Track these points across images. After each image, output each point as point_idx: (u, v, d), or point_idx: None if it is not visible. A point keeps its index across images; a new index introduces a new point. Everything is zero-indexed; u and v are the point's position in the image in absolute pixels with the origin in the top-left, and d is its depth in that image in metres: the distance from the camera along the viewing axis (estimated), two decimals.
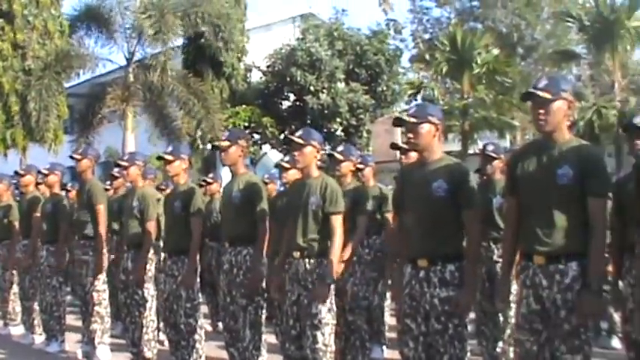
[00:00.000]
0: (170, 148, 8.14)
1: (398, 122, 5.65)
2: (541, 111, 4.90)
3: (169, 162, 7.84)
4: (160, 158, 8.07)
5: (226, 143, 7.34)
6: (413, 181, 5.57)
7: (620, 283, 5.98)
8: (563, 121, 4.97)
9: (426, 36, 43.63)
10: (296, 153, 6.63)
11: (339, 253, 6.50)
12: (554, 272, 4.83)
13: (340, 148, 8.37)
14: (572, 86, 5.33)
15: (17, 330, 11.53)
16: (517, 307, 5.17)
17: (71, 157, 9.76)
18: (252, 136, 26.23)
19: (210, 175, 11.81)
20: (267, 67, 27.14)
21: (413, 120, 5.41)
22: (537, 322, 4.92)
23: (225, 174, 11.60)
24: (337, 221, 6.48)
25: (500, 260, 6.12)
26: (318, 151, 6.62)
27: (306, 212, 6.48)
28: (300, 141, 6.53)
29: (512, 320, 7.34)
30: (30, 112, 25.17)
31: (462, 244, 5.42)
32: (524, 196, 5.09)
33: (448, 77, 30.79)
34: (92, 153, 9.70)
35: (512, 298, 6.99)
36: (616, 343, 9.09)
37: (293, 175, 7.85)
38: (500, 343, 8.03)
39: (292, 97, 26.65)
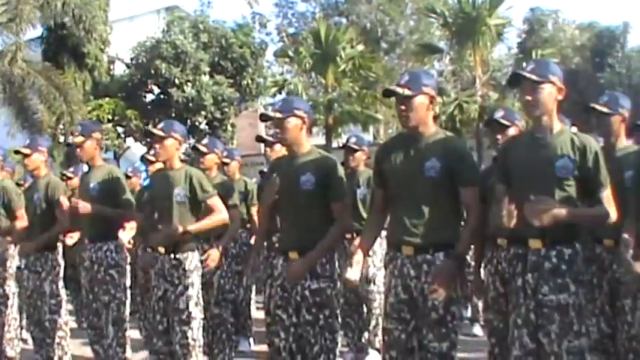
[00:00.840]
0: (28, 141, 7.87)
1: (264, 117, 5.69)
2: (403, 107, 4.95)
3: (27, 155, 7.60)
4: (17, 152, 7.82)
5: (80, 139, 7.19)
6: (282, 175, 5.58)
7: (482, 271, 6.13)
8: (427, 115, 5.02)
9: (291, 30, 43.79)
10: (157, 145, 6.62)
11: (211, 226, 6.67)
12: (422, 262, 4.91)
13: (205, 141, 8.36)
14: (435, 81, 5.34)
15: None
16: (385, 297, 5.22)
17: None
18: (116, 129, 25.88)
19: (71, 170, 11.48)
20: (131, 59, 26.72)
21: (279, 115, 5.45)
22: (405, 312, 5.00)
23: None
24: (215, 201, 6.59)
25: None
26: (180, 143, 6.61)
27: (171, 205, 6.44)
28: (161, 133, 6.51)
29: (378, 311, 7.49)
30: None
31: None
32: (393, 189, 5.15)
33: (313, 71, 31.01)
34: None
35: (378, 289, 7.11)
36: (478, 330, 9.35)
37: (158, 168, 7.76)
38: (366, 334, 8.18)
39: (157, 89, 26.34)
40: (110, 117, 25.56)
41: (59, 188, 7.65)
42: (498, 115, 6.02)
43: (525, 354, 4.70)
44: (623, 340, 5.49)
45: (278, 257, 5.65)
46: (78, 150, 7.22)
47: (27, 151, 7.59)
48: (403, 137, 5.29)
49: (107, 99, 26.16)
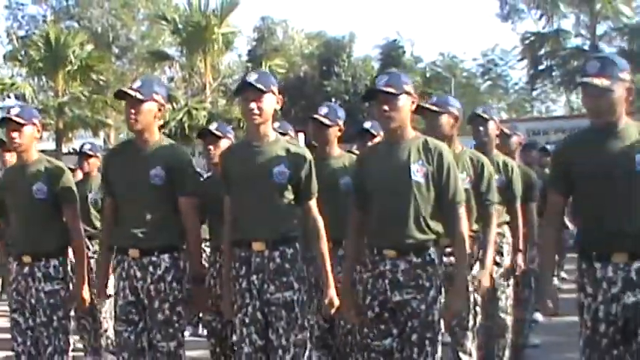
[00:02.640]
0: None
1: (2, 121, 5.62)
2: (133, 110, 5.04)
3: None
4: None
5: None
6: (14, 183, 5.70)
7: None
8: (154, 122, 5.16)
9: (21, 33, 42.95)
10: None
11: None
12: (148, 265, 5.08)
13: None
14: (166, 90, 5.57)
15: None
16: (115, 299, 5.33)
17: None
18: None
19: None
20: None
21: (19, 120, 5.46)
22: (134, 313, 5.16)
23: None
24: None
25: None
26: None
27: None
28: None
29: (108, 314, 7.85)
30: None
31: (64, 241, 5.69)
32: (119, 196, 5.26)
33: (43, 75, 30.72)
34: None
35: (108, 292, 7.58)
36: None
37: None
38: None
39: None
40: None
41: None
42: (213, 126, 6.29)
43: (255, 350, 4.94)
44: (340, 334, 5.86)
45: (13, 262, 5.75)
46: None
47: None
48: (128, 145, 5.46)
49: None
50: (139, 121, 5.07)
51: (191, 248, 5.20)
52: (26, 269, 5.57)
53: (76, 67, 29.32)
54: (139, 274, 5.10)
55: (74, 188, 5.75)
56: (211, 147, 6.12)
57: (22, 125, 5.47)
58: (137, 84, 5.15)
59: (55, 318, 5.54)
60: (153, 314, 5.10)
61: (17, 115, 5.46)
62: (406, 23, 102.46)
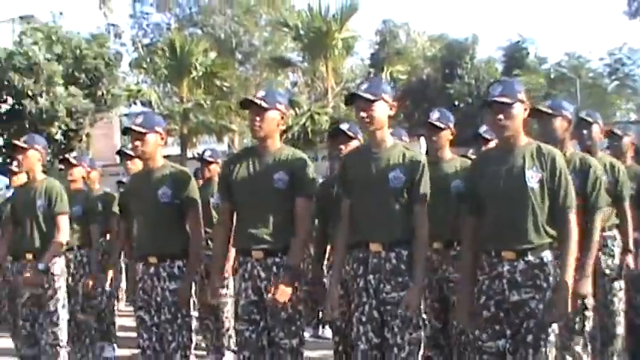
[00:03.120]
0: None
1: (125, 131, 6.06)
2: (257, 118, 5.33)
3: None
4: None
5: None
6: (140, 188, 6.05)
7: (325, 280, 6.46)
8: (277, 129, 5.47)
9: (146, 41, 43.80)
10: (20, 157, 6.93)
11: (59, 249, 6.84)
12: (272, 265, 5.32)
13: (74, 154, 8.74)
14: (287, 99, 5.85)
15: None
16: (236, 299, 5.65)
17: None
18: None
19: None
20: None
21: (141, 129, 5.82)
22: (255, 313, 5.41)
23: None
24: (63, 220, 6.88)
25: None
26: (41, 155, 6.96)
27: (36, 215, 6.81)
28: (24, 145, 6.87)
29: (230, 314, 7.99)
30: None
31: (187, 243, 5.95)
32: (242, 199, 5.48)
33: (167, 82, 31.23)
34: None
35: (229, 292, 7.59)
36: (328, 332, 9.80)
37: (22, 179, 8.05)
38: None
39: (10, 100, 26.06)
40: None
41: None
42: (344, 126, 6.36)
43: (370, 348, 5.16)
44: (454, 335, 6.09)
45: (138, 262, 6.03)
46: None
47: None
48: (251, 150, 5.69)
49: None
50: (262, 128, 5.38)
51: (298, 244, 5.36)
52: (152, 269, 5.87)
53: (200, 74, 29.78)
54: (262, 275, 5.35)
55: (197, 193, 6.04)
56: (342, 147, 6.24)
57: (145, 134, 5.82)
58: (261, 93, 5.49)
59: (179, 315, 5.83)
60: (276, 313, 5.32)
61: (139, 125, 5.83)
62: (530, 24, 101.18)
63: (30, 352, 6.91)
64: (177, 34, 31.91)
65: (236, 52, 42.49)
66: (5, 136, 26.15)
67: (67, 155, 8.85)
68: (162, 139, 5.99)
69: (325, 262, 6.75)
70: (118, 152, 8.98)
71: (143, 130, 5.83)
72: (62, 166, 8.84)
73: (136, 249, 6.16)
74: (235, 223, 5.59)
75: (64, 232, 6.85)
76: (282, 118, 5.53)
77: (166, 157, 6.21)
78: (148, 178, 5.98)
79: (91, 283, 8.28)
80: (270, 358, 5.44)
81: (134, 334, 6.80)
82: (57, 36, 26.31)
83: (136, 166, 7.33)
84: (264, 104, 5.34)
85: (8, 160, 23.04)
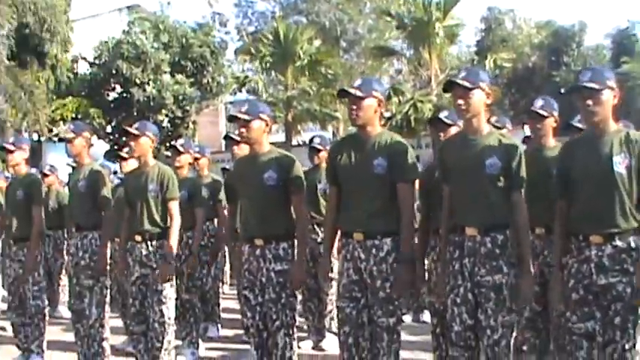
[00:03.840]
0: (12, 139, 8.45)
1: (233, 118, 6.21)
2: (354, 106, 5.54)
3: (10, 152, 8.16)
4: (2, 148, 8.36)
5: (71, 135, 7.72)
6: (246, 172, 6.22)
7: (426, 260, 6.53)
8: (374, 116, 5.62)
9: (251, 29, 44.17)
10: (132, 143, 7.19)
11: (176, 235, 7.06)
12: (371, 247, 5.52)
13: (181, 141, 8.92)
14: (384, 87, 5.99)
15: None
16: (339, 279, 5.81)
17: None
18: None
19: (48, 167, 11.99)
20: (94, 58, 26.94)
21: (246, 117, 6.04)
22: (356, 291, 5.62)
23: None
24: (174, 206, 7.07)
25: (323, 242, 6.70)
26: (153, 141, 7.20)
27: (147, 199, 7.01)
28: (136, 132, 7.10)
29: (334, 297, 8.06)
30: None
31: (293, 225, 6.11)
32: (345, 184, 5.71)
33: (272, 69, 31.43)
34: None
35: (333, 275, 7.67)
36: (427, 317, 9.89)
37: (132, 164, 8.28)
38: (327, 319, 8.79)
39: (119, 88, 26.58)
40: (74, 115, 25.80)
41: (39, 188, 8.23)
42: (443, 114, 6.40)
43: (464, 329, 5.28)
44: (554, 318, 6.10)
45: (244, 244, 6.25)
46: (68, 145, 7.74)
47: (11, 147, 8.16)
48: (352, 137, 5.89)
49: (70, 98, 26.40)
50: (360, 116, 5.58)
51: (406, 229, 5.54)
52: (258, 251, 6.09)
53: (304, 62, 29.86)
54: (362, 256, 5.57)
55: (302, 177, 6.20)
56: (442, 134, 6.27)
57: (250, 121, 6.05)
58: (357, 82, 5.68)
59: (283, 295, 6.02)
60: (375, 292, 5.55)
61: (244, 112, 6.08)
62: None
63: (138, 329, 7.15)
64: (282, 22, 31.98)
65: (340, 40, 42.49)
66: (113, 124, 26.70)
67: (174, 143, 8.95)
68: (267, 125, 6.19)
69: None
70: (225, 137, 9.09)
71: (248, 118, 6.06)
72: (168, 153, 8.99)
73: (242, 231, 6.40)
74: (340, 206, 5.80)
75: (177, 218, 7.05)
76: (380, 104, 5.67)
77: (271, 144, 6.34)
78: (254, 162, 6.18)
79: (193, 264, 8.52)
80: (370, 335, 5.64)
81: (237, 316, 6.91)
82: (164, 25, 26.80)
83: (243, 151, 7.43)
84: (359, 93, 5.54)
85: (115, 147, 23.58)
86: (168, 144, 20.48)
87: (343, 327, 5.69)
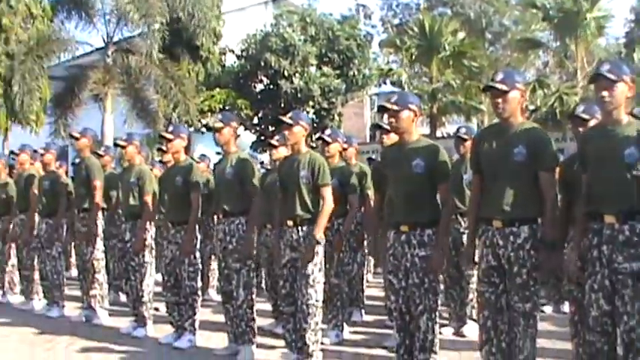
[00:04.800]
0: (171, 128, 8.93)
1: (382, 109, 6.46)
2: (499, 100, 5.71)
3: (170, 140, 8.60)
4: (161, 137, 8.80)
5: (220, 124, 8.13)
6: (394, 160, 6.47)
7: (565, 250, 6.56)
8: (518, 108, 5.80)
9: (396, 21, 44.24)
10: (287, 132, 7.52)
11: (326, 219, 7.31)
12: (509, 234, 5.69)
13: (328, 132, 9.17)
14: (525, 79, 6.12)
15: (16, 299, 12.18)
16: (479, 264, 6.01)
17: (71, 135, 10.59)
18: None
19: (199, 156, 12.48)
20: (242, 51, 27.41)
21: (395, 107, 6.30)
22: (495, 276, 5.81)
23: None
24: (327, 192, 7.31)
25: (466, 231, 6.84)
26: (305, 130, 7.46)
27: (299, 184, 7.28)
28: (290, 121, 7.38)
29: (474, 285, 8.16)
30: (13, 94, 25.51)
31: (437, 213, 6.32)
32: (487, 172, 5.90)
33: (417, 62, 31.44)
34: (90, 133, 10.48)
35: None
36: (567, 307, 9.79)
37: (282, 152, 8.61)
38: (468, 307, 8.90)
39: (266, 80, 26.99)
40: (221, 106, 26.40)
41: (196, 174, 8.69)
42: (579, 110, 6.47)
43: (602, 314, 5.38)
44: None
45: (390, 230, 6.50)
46: (216, 134, 8.15)
47: (170, 136, 8.64)
48: (495, 127, 6.09)
49: (219, 89, 27.06)
50: (505, 109, 5.75)
51: (548, 217, 5.69)
52: (403, 237, 6.33)
53: (448, 54, 29.78)
54: (500, 242, 5.74)
55: (448, 165, 6.45)
56: (580, 129, 6.31)
57: (399, 111, 6.32)
58: (500, 76, 5.81)
59: (426, 280, 6.25)
60: (512, 278, 5.72)
61: (393, 103, 6.34)
62: None
63: (288, 310, 7.45)
64: (427, 15, 31.99)
65: (486, 32, 42.20)
66: (260, 115, 27.20)
67: (320, 134, 9.23)
68: (416, 115, 6.43)
69: None
70: (375, 126, 9.28)
71: (397, 108, 6.32)
72: (313, 145, 9.27)
73: (389, 217, 6.62)
74: (482, 194, 6.00)
75: (329, 203, 7.29)
76: (522, 96, 5.85)
77: None
78: (403, 151, 6.42)
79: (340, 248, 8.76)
80: (508, 320, 5.79)
81: (380, 303, 6.98)
82: (311, 18, 27.06)
83: (391, 140, 7.60)
84: (504, 87, 5.70)
85: (262, 138, 24.06)
86: (314, 135, 20.78)
87: (483, 311, 5.89)
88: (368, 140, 30.82)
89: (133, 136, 9.76)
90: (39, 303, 11.44)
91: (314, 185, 7.29)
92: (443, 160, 6.33)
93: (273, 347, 8.38)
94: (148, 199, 9.27)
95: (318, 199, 7.31)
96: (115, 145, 10.37)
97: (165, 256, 8.76)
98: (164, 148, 11.17)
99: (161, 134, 8.94)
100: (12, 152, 12.41)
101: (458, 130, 9.11)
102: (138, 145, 9.57)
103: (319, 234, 7.21)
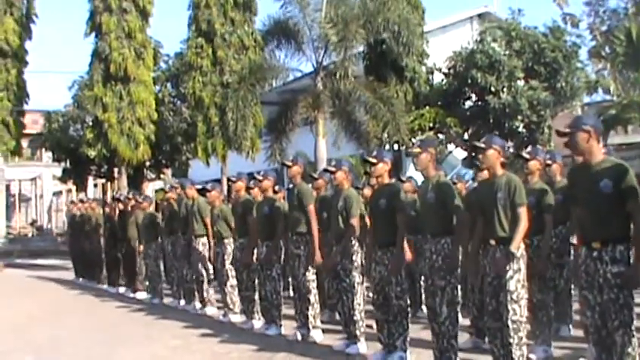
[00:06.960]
0: (375, 152, 9.37)
1: (559, 134, 6.89)
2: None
3: (374, 165, 9.05)
4: (365, 161, 9.27)
5: (417, 150, 8.52)
6: (581, 181, 6.75)
7: None
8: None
9: (603, 28, 43.18)
10: (480, 156, 7.86)
11: (521, 236, 7.52)
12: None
13: (528, 149, 9.37)
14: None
15: (236, 318, 13.03)
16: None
17: (283, 164, 11.28)
18: (438, 136, 26.90)
19: (407, 177, 12.82)
20: (449, 69, 27.69)
21: (567, 130, 6.69)
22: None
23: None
24: (522, 211, 7.54)
25: None
26: (499, 153, 7.74)
27: (497, 206, 7.57)
28: (483, 145, 7.74)
29: None
30: (228, 122, 27.01)
31: (628, 230, 6.49)
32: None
33: (626, 70, 30.70)
34: (301, 160, 11.11)
35: None
36: None
37: (485, 174, 8.81)
38: None
39: (473, 97, 27.09)
40: (431, 125, 26.75)
41: (400, 196, 9.06)
42: None
43: None
44: None
45: (581, 247, 6.78)
46: (414, 160, 8.57)
47: (374, 160, 9.08)
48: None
49: (427, 108, 27.34)
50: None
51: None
52: (595, 253, 6.56)
53: None
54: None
55: (636, 185, 6.46)
56: None
57: (574, 133, 6.69)
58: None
59: (621, 296, 6.40)
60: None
61: (567, 127, 6.78)
62: None
63: (495, 325, 7.65)
64: (635, 21, 31.19)
65: None
66: (470, 132, 27.32)
67: (520, 152, 9.45)
68: (590, 136, 6.67)
69: None
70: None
71: (569, 131, 6.72)
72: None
73: (580, 233, 6.89)
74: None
75: (523, 222, 7.52)
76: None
77: (628, 144, 7.02)
78: (589, 171, 6.66)
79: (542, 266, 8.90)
80: None
81: None
82: (516, 32, 26.95)
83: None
84: None
85: (473, 154, 24.15)
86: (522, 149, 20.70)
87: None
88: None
89: (342, 163, 10.28)
90: (258, 322, 12.19)
91: (511, 204, 7.54)
92: (629, 177, 6.47)
93: None
94: (354, 221, 9.76)
95: (515, 218, 7.54)
96: (325, 170, 10.95)
97: (374, 277, 9.17)
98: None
99: (364, 158, 9.41)
100: (229, 180, 13.27)
101: None
102: (346, 171, 10.09)
103: (514, 248, 7.43)
